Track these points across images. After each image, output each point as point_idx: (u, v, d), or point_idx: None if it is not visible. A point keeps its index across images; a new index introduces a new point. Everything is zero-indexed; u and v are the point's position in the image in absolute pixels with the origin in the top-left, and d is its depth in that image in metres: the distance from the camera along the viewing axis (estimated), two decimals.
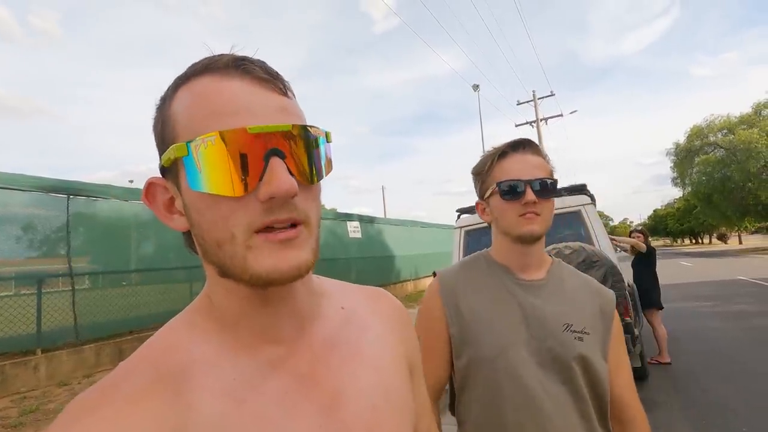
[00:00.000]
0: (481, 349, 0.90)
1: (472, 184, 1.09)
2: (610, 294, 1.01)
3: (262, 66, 0.42)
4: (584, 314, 0.93)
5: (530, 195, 0.92)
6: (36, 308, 5.11)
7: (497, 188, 0.96)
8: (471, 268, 1.03)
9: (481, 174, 1.02)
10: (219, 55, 0.42)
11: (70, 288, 5.48)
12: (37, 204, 5.40)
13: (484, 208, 1.04)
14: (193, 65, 0.43)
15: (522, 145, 0.98)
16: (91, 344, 5.45)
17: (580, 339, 0.89)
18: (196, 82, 0.41)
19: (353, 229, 11.54)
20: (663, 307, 4.85)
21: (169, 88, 0.44)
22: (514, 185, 0.94)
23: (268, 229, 0.39)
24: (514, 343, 0.89)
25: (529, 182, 0.93)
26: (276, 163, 0.38)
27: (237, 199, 0.38)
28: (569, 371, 0.87)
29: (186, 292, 7.06)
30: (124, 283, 6.71)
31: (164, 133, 0.42)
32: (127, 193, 6.46)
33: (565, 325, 0.90)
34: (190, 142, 0.38)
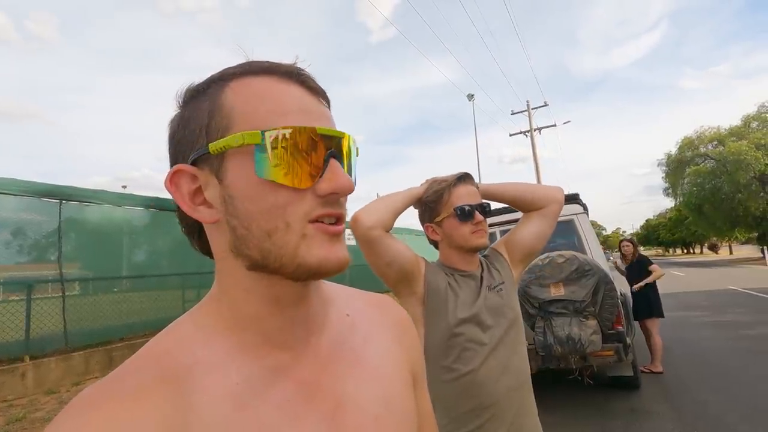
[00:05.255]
0: (452, 314, 1.21)
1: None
2: (494, 251, 1.39)
3: (314, 80, 0.46)
4: (500, 277, 1.31)
5: (479, 216, 1.25)
6: (25, 314, 5.04)
7: (453, 212, 1.25)
8: (436, 267, 1.32)
9: (434, 202, 1.29)
10: (279, 63, 0.45)
11: (61, 294, 5.41)
12: (29, 209, 5.34)
13: (434, 229, 1.32)
14: (250, 65, 0.44)
15: (466, 178, 1.30)
16: (80, 351, 5.37)
17: (500, 290, 1.27)
18: (256, 80, 0.43)
19: (347, 236, 11.53)
20: (663, 316, 4.89)
21: (211, 81, 0.44)
22: (467, 209, 1.24)
23: (319, 222, 0.42)
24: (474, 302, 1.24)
25: (477, 206, 1.25)
26: (335, 163, 0.42)
27: (297, 191, 0.41)
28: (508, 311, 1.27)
29: (178, 298, 7.00)
30: (115, 290, 6.63)
31: (212, 122, 0.42)
32: (120, 199, 6.42)
33: (495, 286, 1.28)
34: (265, 130, 0.40)
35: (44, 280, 5.54)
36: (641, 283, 4.90)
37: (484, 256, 1.38)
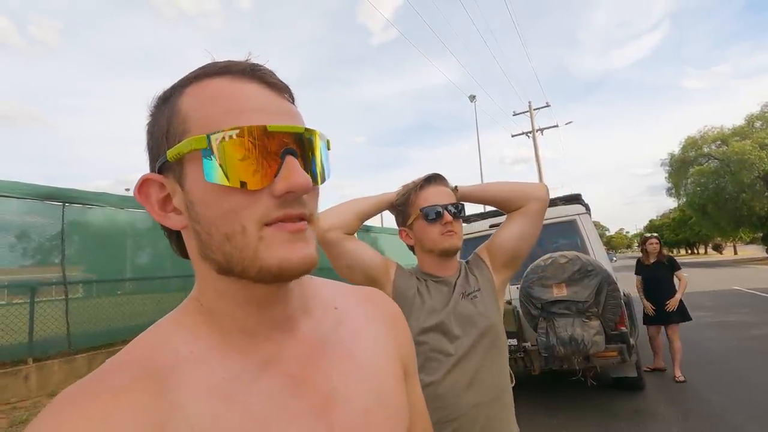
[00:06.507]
0: (423, 317, 1.17)
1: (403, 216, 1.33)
2: (475, 256, 1.33)
3: (273, 75, 0.44)
4: (477, 284, 1.25)
5: (448, 216, 1.19)
6: (29, 317, 5.05)
7: (421, 213, 1.20)
8: (409, 272, 1.29)
9: (404, 205, 1.26)
10: (235, 61, 0.44)
11: (64, 297, 5.43)
12: (32, 212, 5.36)
13: (407, 234, 1.28)
14: (206, 67, 0.44)
15: (434, 179, 1.25)
16: (83, 354, 5.38)
17: (475, 297, 1.21)
18: (211, 82, 0.42)
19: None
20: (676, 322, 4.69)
21: (173, 88, 0.44)
22: (435, 210, 1.19)
23: (278, 222, 0.40)
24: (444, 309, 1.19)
25: (446, 207, 1.20)
26: (291, 160, 0.40)
27: (251, 192, 0.39)
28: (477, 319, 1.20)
29: (181, 300, 6.97)
30: (118, 292, 6.64)
31: (170, 128, 0.42)
32: (122, 201, 6.43)
33: (470, 293, 1.22)
34: (210, 134, 0.39)
35: (47, 282, 5.55)
36: (676, 300, 4.64)
37: (466, 262, 1.32)
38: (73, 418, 0.34)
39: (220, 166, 0.39)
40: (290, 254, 0.40)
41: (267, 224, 0.40)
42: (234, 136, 0.38)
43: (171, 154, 0.41)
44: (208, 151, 0.39)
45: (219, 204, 0.40)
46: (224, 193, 0.39)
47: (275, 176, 0.40)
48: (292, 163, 0.40)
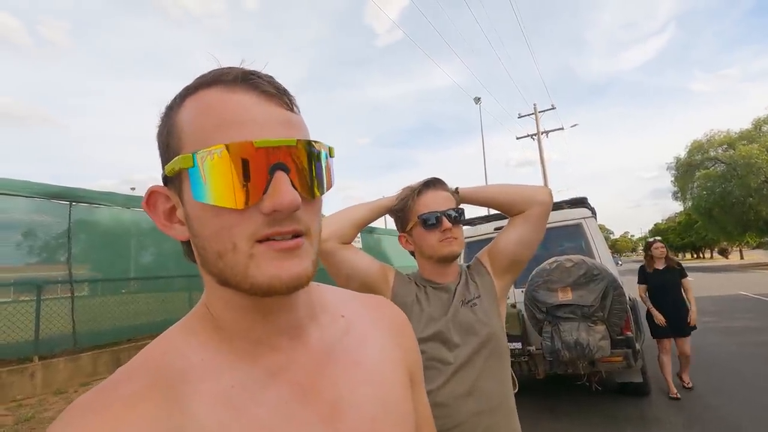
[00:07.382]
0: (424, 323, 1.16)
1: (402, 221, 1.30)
2: (476, 261, 1.30)
3: (270, 81, 0.43)
4: (477, 290, 1.22)
5: (446, 223, 1.16)
6: (35, 315, 5.09)
7: (419, 220, 1.19)
8: (408, 278, 1.28)
9: (403, 211, 1.24)
10: (228, 68, 0.42)
11: (70, 295, 5.46)
12: (39, 211, 5.41)
13: (407, 239, 1.26)
14: (202, 77, 0.43)
15: (433, 183, 1.23)
16: (88, 352, 5.42)
17: (474, 304, 1.18)
18: (204, 94, 0.41)
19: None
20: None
21: (176, 98, 0.44)
22: (433, 216, 1.17)
23: (269, 239, 0.39)
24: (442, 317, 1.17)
25: (444, 212, 1.17)
26: (280, 176, 0.39)
27: (240, 211, 0.38)
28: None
29: (185, 300, 7.04)
30: (123, 291, 6.69)
31: (169, 142, 0.42)
32: (128, 201, 6.48)
33: (469, 301, 1.19)
34: (196, 153, 0.38)
35: (54, 281, 5.59)
36: (693, 316, 4.28)
37: (467, 266, 1.29)
38: (87, 428, 0.34)
39: (207, 185, 0.38)
40: (280, 272, 0.39)
41: (259, 240, 0.39)
42: (219, 155, 0.37)
43: (167, 170, 0.41)
44: (195, 170, 0.38)
45: (210, 222, 0.40)
46: (214, 211, 0.39)
47: (264, 193, 0.38)
48: (281, 180, 0.38)
